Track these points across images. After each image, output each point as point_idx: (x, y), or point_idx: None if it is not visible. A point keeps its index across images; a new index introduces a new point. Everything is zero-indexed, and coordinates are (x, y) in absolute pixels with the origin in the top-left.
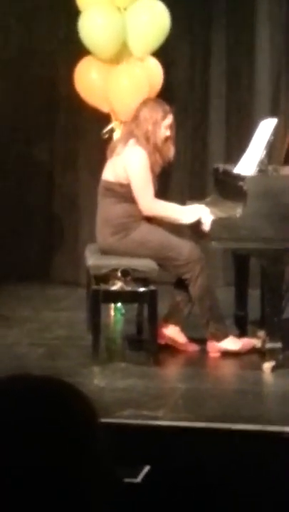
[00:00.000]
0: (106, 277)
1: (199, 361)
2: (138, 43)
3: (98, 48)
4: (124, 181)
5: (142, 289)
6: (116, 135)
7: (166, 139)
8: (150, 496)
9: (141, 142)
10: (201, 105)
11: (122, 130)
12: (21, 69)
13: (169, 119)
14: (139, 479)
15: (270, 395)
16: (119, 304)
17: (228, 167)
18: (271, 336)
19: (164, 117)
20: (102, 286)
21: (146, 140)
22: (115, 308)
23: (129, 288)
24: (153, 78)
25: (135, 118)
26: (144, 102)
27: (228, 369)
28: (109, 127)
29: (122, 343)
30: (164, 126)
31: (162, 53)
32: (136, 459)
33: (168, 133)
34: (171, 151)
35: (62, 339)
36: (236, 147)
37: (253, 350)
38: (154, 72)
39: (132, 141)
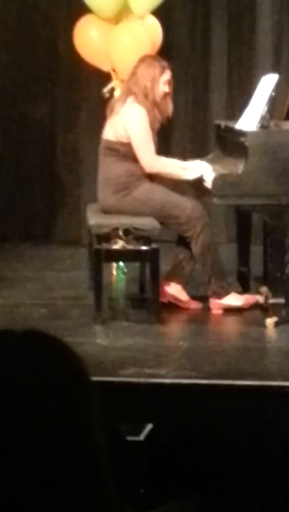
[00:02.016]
0: (108, 236)
1: (202, 318)
2: (139, 1)
3: (99, 6)
4: (124, 140)
5: (143, 248)
6: (117, 94)
7: (165, 95)
8: (153, 454)
9: (139, 99)
10: (202, 62)
11: (120, 88)
12: (22, 28)
13: (167, 75)
14: (142, 437)
15: (273, 350)
16: (121, 263)
17: (229, 123)
18: (274, 291)
19: (162, 73)
20: (104, 246)
21: (145, 97)
22: (117, 268)
23: (131, 247)
24: (153, 36)
25: (133, 75)
26: (142, 59)
27: (231, 326)
28: (109, 86)
29: (125, 302)
30: (162, 82)
31: (162, 12)
32: (139, 417)
33: (166, 89)
34: (169, 107)
35: (64, 299)
36: (238, 103)
37: (256, 306)
38: (154, 31)
39: (130, 99)
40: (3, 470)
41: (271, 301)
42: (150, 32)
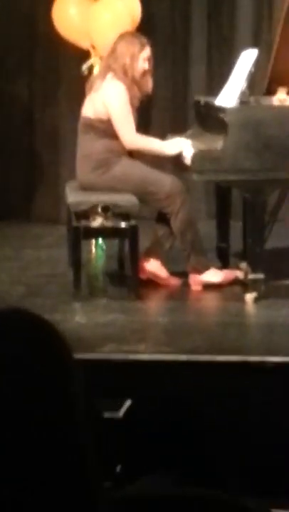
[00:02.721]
0: (86, 214)
1: (181, 295)
2: None
3: None
4: (103, 117)
5: (122, 225)
6: (96, 71)
7: (144, 71)
8: (132, 430)
9: (119, 76)
10: (181, 38)
11: (100, 65)
12: (0, 4)
13: (147, 52)
14: (120, 414)
15: (252, 326)
16: (100, 240)
17: (209, 99)
18: (253, 267)
19: (141, 50)
20: (83, 223)
21: (124, 73)
22: (96, 245)
23: (110, 224)
24: (132, 13)
25: (112, 52)
26: (121, 36)
27: (211, 301)
28: (88, 63)
29: (104, 279)
30: (141, 58)
31: None
32: (118, 393)
33: (146, 66)
34: (149, 83)
35: (43, 277)
36: (217, 79)
37: (236, 282)
38: (133, 7)
39: (109, 76)
40: None
41: (250, 276)
42: (129, 8)
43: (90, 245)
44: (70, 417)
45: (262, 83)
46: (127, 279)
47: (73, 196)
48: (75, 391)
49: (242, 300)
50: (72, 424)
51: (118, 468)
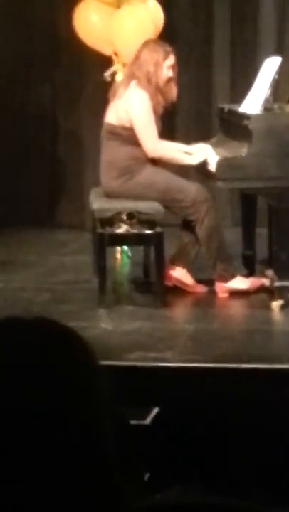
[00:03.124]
0: (111, 220)
1: (207, 302)
2: None
3: None
4: (127, 124)
5: (148, 232)
6: (118, 77)
7: (169, 79)
8: (159, 438)
9: (142, 84)
10: (204, 45)
11: (123, 72)
12: (22, 11)
13: (171, 60)
14: (148, 421)
15: (278, 333)
16: (125, 247)
17: (233, 106)
18: (279, 274)
19: (166, 58)
20: (108, 230)
21: (148, 81)
22: (122, 252)
23: (134, 231)
24: (155, 20)
25: (136, 59)
26: (145, 43)
27: (237, 309)
28: (111, 70)
29: (129, 286)
30: (165, 66)
31: None
32: (145, 401)
33: (170, 73)
34: (173, 91)
35: (68, 283)
36: (241, 86)
37: (262, 290)
38: (156, 14)
39: (133, 83)
40: (13, 452)
41: (277, 284)
42: (152, 15)
43: (115, 252)
44: (96, 426)
45: (286, 90)
46: (152, 286)
47: (98, 203)
48: (101, 400)
49: (268, 307)
50: (99, 433)
51: (146, 477)
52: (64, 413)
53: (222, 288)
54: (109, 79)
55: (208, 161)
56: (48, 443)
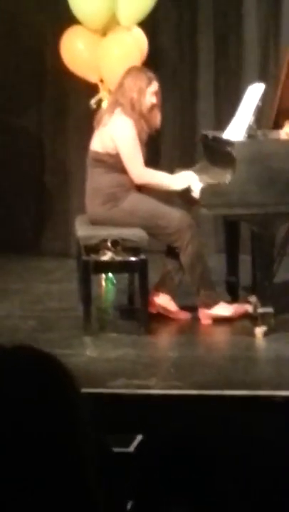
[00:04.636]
0: (96, 248)
1: (191, 329)
2: (127, 12)
3: (87, 17)
4: (112, 151)
5: (132, 259)
6: (104, 105)
7: (152, 106)
8: (143, 465)
9: (126, 111)
10: (188, 72)
11: (108, 100)
12: (8, 38)
13: (154, 86)
14: (131, 449)
15: (262, 360)
16: (110, 274)
17: (216, 133)
18: (263, 300)
19: (149, 84)
20: (93, 257)
21: (132, 108)
22: (106, 279)
23: (119, 258)
24: (140, 47)
25: (120, 87)
26: (128, 71)
27: (220, 336)
28: (97, 97)
29: (114, 313)
30: (149, 93)
31: (147, 21)
32: (128, 428)
33: (153, 100)
34: (157, 118)
35: (53, 311)
36: (225, 113)
37: (245, 316)
38: (140, 41)
39: (117, 110)
40: None
41: (260, 310)
42: (138, 42)
43: (100, 279)
44: (77, 453)
45: (269, 117)
46: (136, 313)
47: (83, 230)
48: (83, 429)
49: (252, 334)
50: (79, 460)
51: (129, 505)
52: (43, 441)
53: (206, 314)
54: (94, 106)
55: (192, 187)
56: (26, 472)
